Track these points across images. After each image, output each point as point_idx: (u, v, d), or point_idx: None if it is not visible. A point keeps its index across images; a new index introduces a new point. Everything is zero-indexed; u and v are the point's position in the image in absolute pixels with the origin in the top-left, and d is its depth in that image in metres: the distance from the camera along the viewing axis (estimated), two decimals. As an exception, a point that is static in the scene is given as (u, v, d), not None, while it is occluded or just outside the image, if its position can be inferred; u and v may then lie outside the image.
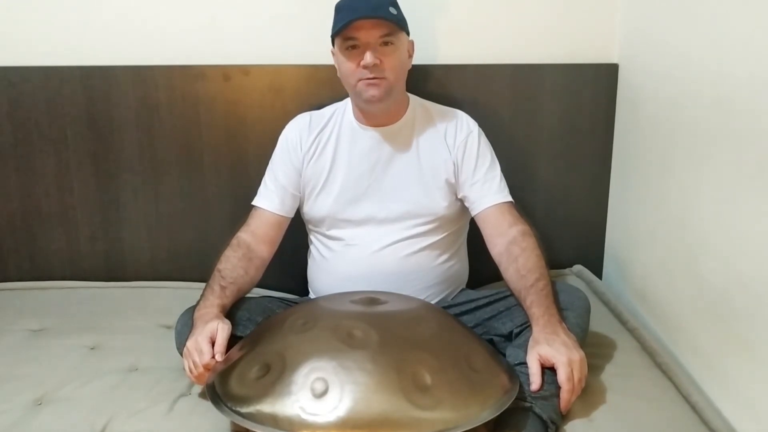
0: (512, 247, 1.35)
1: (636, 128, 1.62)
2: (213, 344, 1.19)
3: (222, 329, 1.20)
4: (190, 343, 1.20)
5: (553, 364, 1.14)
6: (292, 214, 1.51)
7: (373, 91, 1.37)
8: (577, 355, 1.16)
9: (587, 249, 1.84)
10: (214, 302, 1.29)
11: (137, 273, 1.82)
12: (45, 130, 1.73)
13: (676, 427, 1.16)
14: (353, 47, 1.36)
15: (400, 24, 1.36)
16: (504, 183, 1.46)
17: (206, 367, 1.17)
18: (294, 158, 1.49)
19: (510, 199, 1.44)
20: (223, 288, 1.32)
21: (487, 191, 1.43)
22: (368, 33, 1.33)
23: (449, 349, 1.13)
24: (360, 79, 1.36)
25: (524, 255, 1.32)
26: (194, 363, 1.18)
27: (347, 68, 1.38)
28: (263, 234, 1.46)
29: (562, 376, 1.13)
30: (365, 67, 1.34)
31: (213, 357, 1.17)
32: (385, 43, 1.35)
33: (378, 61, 1.34)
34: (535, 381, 1.14)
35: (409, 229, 1.45)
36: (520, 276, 1.30)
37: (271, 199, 1.48)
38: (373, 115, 1.45)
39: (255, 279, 1.43)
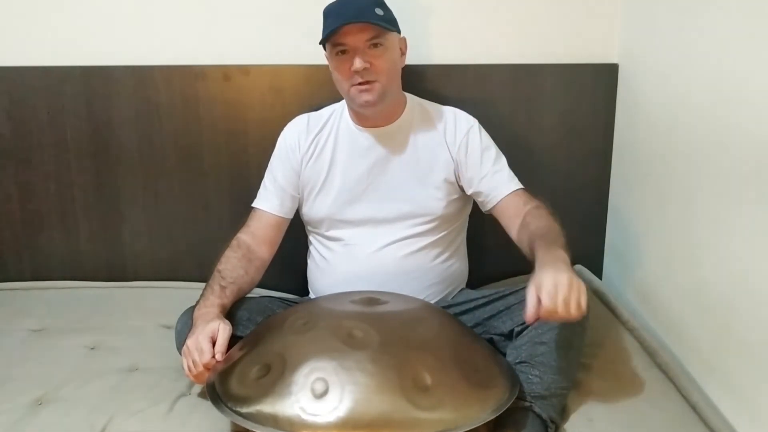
0: (526, 218, 1.35)
1: (636, 128, 1.62)
2: (213, 344, 1.19)
3: (223, 329, 1.20)
4: (190, 342, 1.20)
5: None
6: (291, 215, 1.51)
7: (366, 96, 1.36)
8: (566, 275, 1.06)
9: (587, 249, 1.83)
10: (214, 302, 1.29)
11: (137, 273, 1.82)
12: (45, 130, 1.73)
13: (676, 427, 1.16)
14: (343, 52, 1.35)
15: (387, 25, 1.34)
16: (512, 173, 1.46)
17: (206, 367, 1.17)
18: (293, 160, 1.49)
19: (521, 186, 1.44)
20: (223, 288, 1.32)
21: (498, 182, 1.43)
22: (355, 37, 1.33)
23: (449, 350, 1.13)
24: (352, 85, 1.36)
25: (537, 220, 1.32)
26: (194, 362, 1.18)
27: (338, 74, 1.38)
28: (263, 235, 1.46)
29: (544, 295, 1.04)
30: (356, 72, 1.34)
31: (213, 357, 1.17)
32: (374, 45, 1.34)
33: (368, 65, 1.33)
34: (530, 310, 1.05)
35: (408, 229, 1.45)
36: (532, 233, 1.27)
37: (270, 200, 1.48)
38: (369, 117, 1.45)
39: (255, 280, 1.43)
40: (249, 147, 1.73)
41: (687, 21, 1.36)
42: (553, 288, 1.05)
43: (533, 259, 1.18)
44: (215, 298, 1.30)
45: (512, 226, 1.40)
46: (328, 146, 1.48)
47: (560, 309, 1.04)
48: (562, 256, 1.15)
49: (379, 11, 1.35)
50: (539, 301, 1.05)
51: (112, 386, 1.30)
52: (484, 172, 1.44)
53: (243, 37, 1.71)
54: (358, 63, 1.32)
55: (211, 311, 1.26)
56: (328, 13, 1.37)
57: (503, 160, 1.47)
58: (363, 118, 1.46)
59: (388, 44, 1.36)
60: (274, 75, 1.70)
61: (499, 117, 1.71)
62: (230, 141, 1.73)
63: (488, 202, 1.45)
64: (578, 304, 1.06)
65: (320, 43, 1.38)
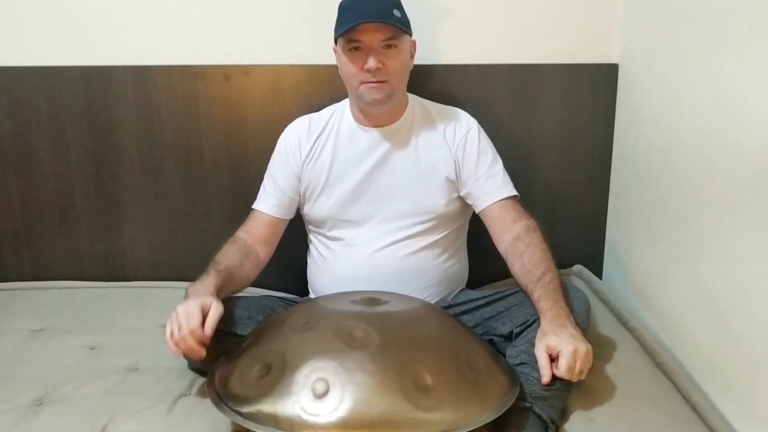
0: (517, 243, 1.35)
1: (636, 128, 1.62)
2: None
3: (216, 306, 1.18)
4: (180, 308, 1.16)
5: (559, 353, 1.14)
6: (290, 216, 1.51)
7: (375, 95, 1.37)
8: (584, 347, 1.15)
9: (587, 249, 1.84)
10: (209, 281, 1.27)
11: (137, 273, 1.82)
12: (45, 130, 1.73)
13: (676, 427, 1.16)
14: (356, 49, 1.36)
15: (403, 27, 1.36)
16: (507, 178, 1.46)
17: (193, 335, 1.14)
18: (293, 163, 1.49)
19: (514, 193, 1.44)
20: (218, 271, 1.31)
21: (491, 187, 1.44)
22: (372, 36, 1.33)
23: (450, 350, 1.13)
24: (362, 82, 1.36)
25: (529, 250, 1.33)
26: (179, 327, 1.14)
27: (349, 70, 1.38)
28: (259, 234, 1.46)
29: (563, 364, 1.12)
30: (368, 70, 1.34)
31: (201, 327, 1.14)
32: (389, 46, 1.35)
33: (381, 65, 1.34)
34: (546, 374, 1.14)
35: (409, 228, 1.45)
36: (526, 271, 1.30)
37: (268, 201, 1.48)
38: (372, 116, 1.45)
39: (250, 275, 1.42)
40: (249, 147, 1.73)
41: (687, 21, 1.36)
42: (572, 360, 1.13)
43: (532, 301, 1.27)
44: (210, 278, 1.28)
45: (498, 239, 1.41)
46: (329, 146, 1.48)
47: (574, 378, 1.15)
48: (567, 311, 1.23)
49: (396, 13, 1.35)
50: (551, 358, 1.15)
51: (112, 386, 1.29)
52: (479, 174, 1.45)
53: (243, 37, 1.71)
54: (372, 62, 1.33)
55: (205, 288, 1.24)
56: (345, 8, 1.38)
57: (499, 164, 1.47)
58: (365, 117, 1.46)
59: (402, 46, 1.37)
60: (274, 75, 1.70)
61: (499, 117, 1.71)
62: (230, 141, 1.73)
63: (477, 206, 1.45)
64: (585, 371, 1.16)
65: (335, 38, 1.38)
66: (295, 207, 1.51)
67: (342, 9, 1.39)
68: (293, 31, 1.70)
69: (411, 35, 1.42)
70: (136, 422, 1.19)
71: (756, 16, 1.12)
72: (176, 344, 1.15)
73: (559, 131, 1.75)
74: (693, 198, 1.34)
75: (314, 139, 1.49)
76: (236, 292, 1.38)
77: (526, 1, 1.69)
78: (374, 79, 1.35)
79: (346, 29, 1.33)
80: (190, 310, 1.15)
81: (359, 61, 1.35)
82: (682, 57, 1.37)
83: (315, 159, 1.48)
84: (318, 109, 1.56)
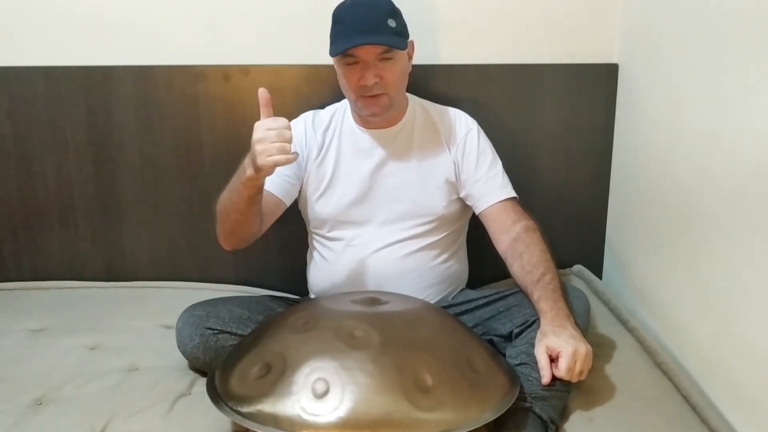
0: (516, 244, 1.35)
1: (636, 128, 1.62)
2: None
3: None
4: (257, 133, 1.22)
5: (559, 353, 1.14)
6: (285, 198, 1.45)
7: (373, 109, 1.37)
8: (584, 347, 1.16)
9: (587, 249, 1.84)
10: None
11: (137, 273, 1.82)
12: (45, 130, 1.73)
13: (676, 427, 1.16)
14: (352, 62, 1.34)
15: (399, 43, 1.33)
16: (506, 179, 1.46)
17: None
18: (298, 149, 1.47)
19: (513, 194, 1.44)
20: None
21: (490, 188, 1.44)
22: (367, 52, 1.32)
23: (450, 350, 1.14)
24: (360, 96, 1.36)
25: (528, 251, 1.33)
26: (276, 133, 1.19)
27: (346, 83, 1.37)
28: None
29: (563, 365, 1.13)
30: (365, 85, 1.33)
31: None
32: (385, 59, 1.33)
33: (378, 79, 1.33)
34: (545, 374, 1.15)
35: (409, 230, 1.45)
36: (525, 272, 1.30)
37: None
38: (373, 120, 1.45)
39: (258, 222, 1.38)
40: (249, 147, 1.72)
41: (687, 21, 1.36)
42: (572, 361, 1.14)
43: (531, 301, 1.27)
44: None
45: (498, 239, 1.40)
46: (333, 148, 1.48)
47: (573, 379, 1.15)
48: (567, 312, 1.23)
49: (391, 22, 1.33)
50: (551, 359, 1.16)
51: (112, 386, 1.30)
52: (478, 176, 1.45)
53: (243, 37, 1.70)
54: (369, 79, 1.32)
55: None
56: (339, 18, 1.36)
57: (499, 165, 1.47)
58: (366, 120, 1.46)
59: (399, 56, 1.36)
60: (274, 75, 1.70)
61: (499, 117, 1.71)
62: (230, 141, 1.73)
63: (477, 207, 1.45)
64: (585, 372, 1.17)
65: (330, 53, 1.36)
66: (289, 191, 1.46)
67: (336, 19, 1.36)
68: (293, 31, 1.70)
69: (406, 48, 1.39)
70: (136, 422, 1.19)
71: (756, 16, 1.12)
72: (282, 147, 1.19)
73: (559, 131, 1.75)
74: (693, 198, 1.34)
75: (320, 134, 1.48)
76: (253, 218, 1.35)
77: (526, 1, 1.69)
78: (371, 93, 1.34)
79: (340, 51, 1.31)
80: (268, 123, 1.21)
81: (355, 75, 1.34)
82: (682, 57, 1.37)
83: (320, 159, 1.48)
84: (319, 109, 1.55)
